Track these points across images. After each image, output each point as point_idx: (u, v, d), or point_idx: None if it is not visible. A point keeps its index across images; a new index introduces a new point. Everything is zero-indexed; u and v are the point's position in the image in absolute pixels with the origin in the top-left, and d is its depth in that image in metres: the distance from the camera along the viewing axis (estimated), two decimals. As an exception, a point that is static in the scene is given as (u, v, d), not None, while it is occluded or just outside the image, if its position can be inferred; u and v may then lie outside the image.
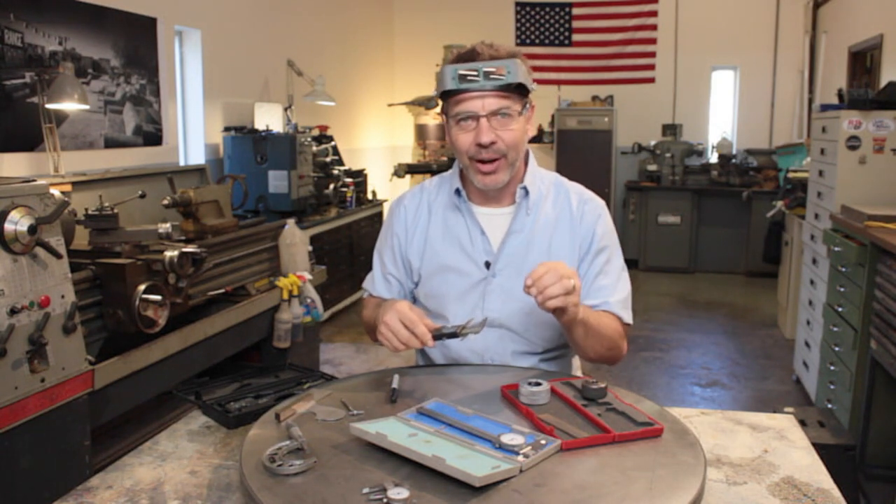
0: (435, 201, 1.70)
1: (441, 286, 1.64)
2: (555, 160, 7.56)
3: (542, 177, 1.69)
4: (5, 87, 3.21)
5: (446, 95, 1.54)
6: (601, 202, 1.71)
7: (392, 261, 1.73)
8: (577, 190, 1.69)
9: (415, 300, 1.74)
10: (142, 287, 2.25)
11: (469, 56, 1.53)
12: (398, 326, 1.39)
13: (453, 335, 1.41)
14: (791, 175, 5.16)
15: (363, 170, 6.54)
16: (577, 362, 1.79)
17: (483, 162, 1.55)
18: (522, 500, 0.98)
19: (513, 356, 1.63)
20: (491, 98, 1.50)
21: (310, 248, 3.47)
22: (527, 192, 1.63)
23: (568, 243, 1.63)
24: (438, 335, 1.42)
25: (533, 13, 8.03)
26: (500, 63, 1.49)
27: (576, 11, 7.95)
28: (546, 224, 1.63)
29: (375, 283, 1.76)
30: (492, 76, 1.49)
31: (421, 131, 8.14)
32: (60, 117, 3.46)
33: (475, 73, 1.49)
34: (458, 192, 1.65)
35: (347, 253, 5.73)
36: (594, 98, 7.99)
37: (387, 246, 1.74)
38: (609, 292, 1.61)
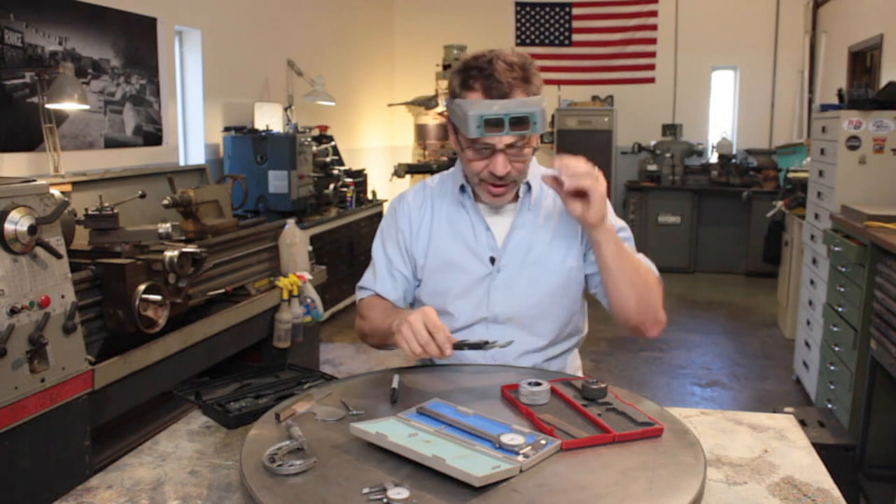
0: (437, 198, 1.70)
1: (445, 283, 1.64)
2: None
3: (542, 173, 1.70)
4: (5, 87, 3.21)
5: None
6: None
7: (399, 256, 1.69)
8: None
9: (413, 302, 1.74)
10: (142, 287, 2.25)
11: (490, 81, 1.46)
12: (420, 328, 1.35)
13: (477, 346, 1.38)
14: (791, 175, 5.17)
15: (363, 170, 6.54)
16: (577, 362, 1.80)
17: (494, 185, 1.56)
18: (522, 500, 0.98)
19: (518, 355, 1.63)
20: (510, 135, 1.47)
21: (310, 248, 3.47)
22: (529, 188, 1.64)
23: (570, 234, 1.64)
24: (460, 345, 1.39)
25: (533, 13, 8.03)
26: (528, 111, 1.42)
27: (576, 11, 7.95)
28: (548, 218, 1.64)
29: (378, 281, 1.71)
30: (518, 125, 1.42)
31: (421, 131, 8.14)
32: (60, 117, 3.46)
33: (501, 122, 1.42)
34: (462, 188, 1.66)
35: (347, 253, 5.73)
36: (594, 98, 7.99)
37: (392, 241, 1.70)
38: (631, 250, 1.60)
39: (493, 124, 1.42)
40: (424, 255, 1.67)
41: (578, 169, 1.40)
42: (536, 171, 1.67)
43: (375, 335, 1.63)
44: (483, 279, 1.62)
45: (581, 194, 1.43)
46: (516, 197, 1.64)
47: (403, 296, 1.71)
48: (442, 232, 1.66)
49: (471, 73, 1.49)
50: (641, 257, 1.61)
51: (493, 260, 1.62)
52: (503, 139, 1.47)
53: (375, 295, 1.72)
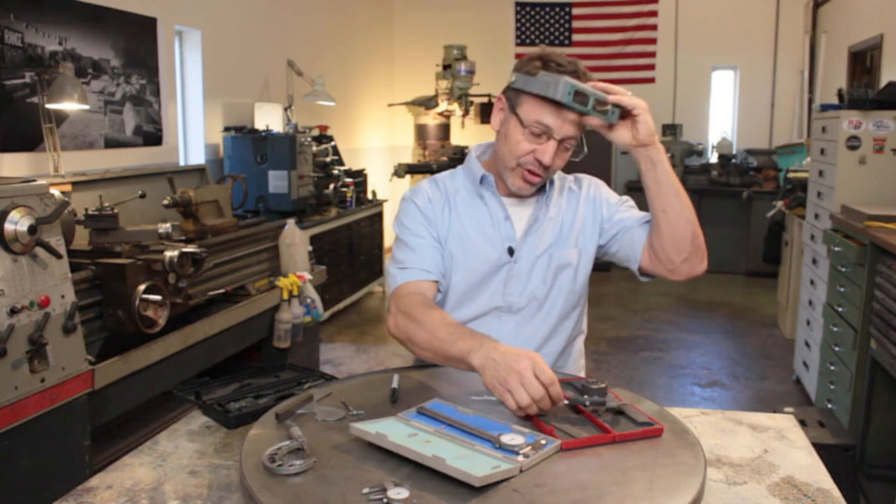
0: (451, 189, 1.70)
1: (461, 272, 1.64)
2: (555, 160, 7.56)
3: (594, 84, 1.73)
4: (5, 87, 3.20)
5: (524, 94, 1.52)
6: (594, 178, 1.77)
7: (433, 231, 1.64)
8: (574, 176, 1.76)
9: None
10: (142, 287, 2.25)
11: (575, 74, 1.49)
12: (533, 380, 1.18)
13: (596, 406, 1.22)
14: (791, 175, 5.17)
15: (363, 170, 6.54)
16: (581, 361, 1.80)
17: (531, 173, 1.57)
18: (522, 500, 0.98)
19: (527, 346, 1.63)
20: (569, 125, 1.50)
21: (310, 248, 3.47)
22: (552, 182, 1.67)
23: (583, 223, 1.68)
24: (578, 401, 1.23)
25: (533, 13, 8.03)
26: (611, 100, 1.47)
27: (576, 11, 7.95)
28: (559, 212, 1.67)
29: (420, 256, 1.59)
30: (599, 108, 1.45)
31: (421, 131, 8.13)
32: (60, 117, 3.46)
33: (588, 98, 1.44)
34: (482, 178, 1.66)
35: (347, 253, 5.73)
36: (594, 98, 7.98)
37: (418, 222, 1.64)
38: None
39: (581, 96, 1.44)
40: (444, 243, 1.67)
41: (615, 87, 1.44)
42: None
43: (432, 350, 1.43)
44: (500, 269, 1.64)
45: (623, 116, 1.47)
46: (540, 190, 1.67)
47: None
48: (459, 221, 1.66)
49: (550, 65, 1.52)
50: None
51: (511, 251, 1.63)
52: (563, 128, 1.50)
53: (416, 286, 1.57)
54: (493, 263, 1.63)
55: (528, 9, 8.02)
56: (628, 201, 1.71)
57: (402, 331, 1.49)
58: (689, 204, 1.56)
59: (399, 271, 1.59)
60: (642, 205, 1.65)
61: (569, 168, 1.63)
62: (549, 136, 1.51)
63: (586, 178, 1.75)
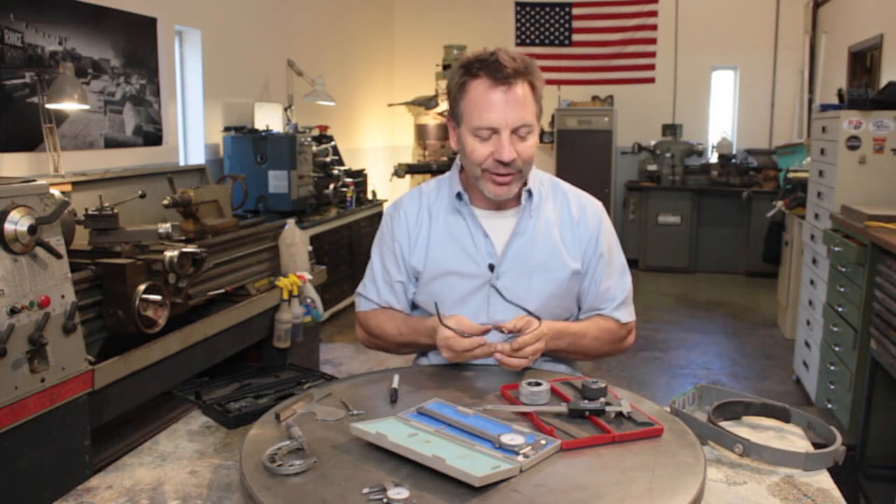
0: (434, 205, 1.69)
1: (444, 290, 1.64)
2: (555, 160, 7.55)
3: (540, 179, 1.70)
4: (5, 87, 3.20)
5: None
6: (599, 204, 1.74)
7: (396, 267, 1.69)
8: (574, 193, 1.72)
9: (414, 306, 1.73)
10: (142, 287, 2.25)
11: (495, 66, 1.50)
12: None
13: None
14: (791, 175, 5.17)
15: (363, 170, 6.54)
16: (577, 363, 1.80)
17: (499, 174, 1.56)
18: (522, 500, 0.98)
19: None
20: (513, 111, 1.50)
21: (310, 248, 3.47)
22: (531, 195, 1.64)
23: (569, 245, 1.65)
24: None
25: (533, 13, 8.03)
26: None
27: (576, 11, 7.95)
28: (547, 226, 1.65)
29: (381, 291, 1.72)
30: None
31: (421, 131, 8.13)
32: (60, 117, 3.46)
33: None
34: (459, 195, 1.65)
35: (347, 253, 5.73)
36: (594, 98, 7.99)
37: (389, 252, 1.70)
38: (613, 295, 1.68)
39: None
40: (423, 263, 1.67)
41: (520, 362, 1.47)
42: (535, 176, 1.68)
43: (395, 345, 1.71)
44: (482, 286, 1.62)
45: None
46: (518, 202, 1.64)
47: (407, 304, 1.73)
48: (440, 239, 1.66)
49: (474, 65, 1.52)
50: (609, 306, 1.70)
51: (491, 267, 1.62)
52: (508, 121, 1.50)
53: (380, 307, 1.73)
54: (475, 280, 1.62)
55: (528, 9, 8.02)
56: (610, 265, 1.69)
57: (371, 344, 1.78)
58: (595, 346, 1.67)
59: (365, 301, 1.76)
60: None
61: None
62: (499, 132, 1.52)
63: (591, 207, 1.70)
